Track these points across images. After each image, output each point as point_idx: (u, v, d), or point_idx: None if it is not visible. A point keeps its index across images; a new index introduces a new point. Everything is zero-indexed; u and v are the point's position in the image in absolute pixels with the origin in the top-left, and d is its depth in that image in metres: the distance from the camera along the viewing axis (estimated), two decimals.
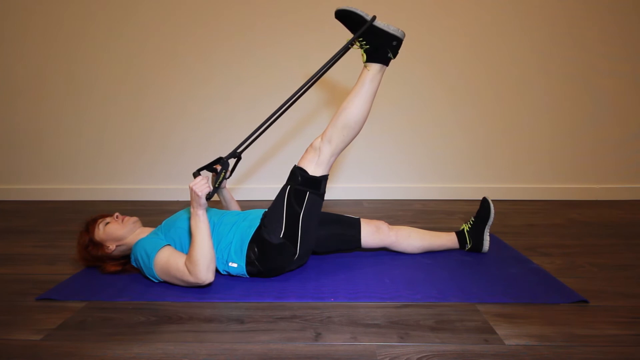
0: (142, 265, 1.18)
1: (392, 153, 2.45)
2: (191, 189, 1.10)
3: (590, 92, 2.34)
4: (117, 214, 1.30)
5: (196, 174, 1.16)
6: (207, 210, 1.30)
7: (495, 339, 0.91)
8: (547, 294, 1.12)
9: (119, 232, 1.26)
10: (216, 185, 1.21)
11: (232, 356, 0.86)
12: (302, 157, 1.23)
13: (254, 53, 2.35)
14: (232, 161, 2.41)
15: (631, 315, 1.02)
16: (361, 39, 1.17)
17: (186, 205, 2.38)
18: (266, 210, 1.33)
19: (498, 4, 2.27)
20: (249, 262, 1.21)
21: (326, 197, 2.38)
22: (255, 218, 1.27)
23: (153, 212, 2.20)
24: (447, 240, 1.46)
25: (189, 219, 1.25)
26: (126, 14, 2.33)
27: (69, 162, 2.52)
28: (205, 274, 1.09)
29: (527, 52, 2.31)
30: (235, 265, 1.21)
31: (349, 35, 2.33)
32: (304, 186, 1.20)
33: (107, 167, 2.52)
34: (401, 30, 1.15)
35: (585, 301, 1.09)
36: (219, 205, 2.17)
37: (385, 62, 1.18)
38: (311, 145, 1.22)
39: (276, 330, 0.96)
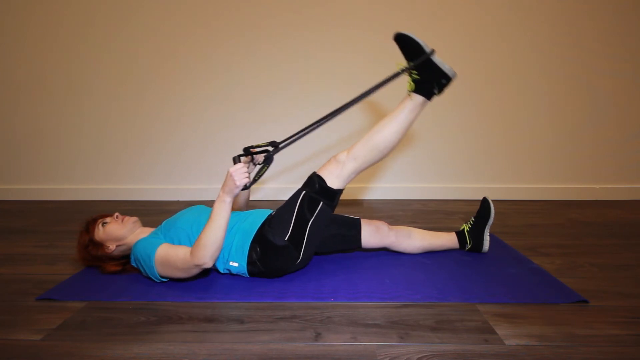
0: (142, 264, 1.18)
1: (392, 153, 2.45)
2: (230, 175, 1.06)
3: (590, 92, 2.34)
4: (117, 214, 1.30)
5: (237, 159, 1.11)
6: (208, 212, 1.30)
7: (495, 339, 0.91)
8: (547, 294, 1.12)
9: (119, 232, 1.26)
10: (256, 178, 1.17)
11: (232, 356, 0.86)
12: (323, 167, 1.23)
13: (254, 53, 2.35)
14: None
15: (631, 315, 1.02)
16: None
17: (186, 205, 2.38)
18: (272, 211, 1.33)
19: (498, 4, 2.27)
20: (250, 262, 1.21)
21: None
22: (256, 218, 1.27)
23: (153, 212, 2.20)
24: (447, 240, 1.46)
25: (192, 218, 1.25)
26: (126, 14, 2.33)
27: (69, 162, 2.52)
28: (208, 259, 1.07)
29: (527, 52, 2.31)
30: (236, 264, 1.21)
31: (352, 38, 2.35)
32: (319, 195, 1.20)
33: (107, 167, 2.52)
34: (454, 71, 1.14)
35: (585, 301, 1.09)
36: None
37: (429, 96, 1.17)
38: (335, 157, 1.22)
39: (276, 330, 0.96)
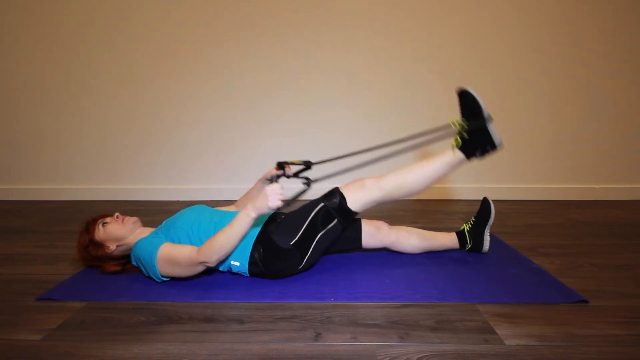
0: (143, 263, 1.18)
1: (395, 156, 2.44)
2: (265, 194, 1.05)
3: (590, 92, 2.34)
4: (117, 214, 1.30)
5: (274, 179, 1.11)
6: (208, 212, 1.30)
7: (495, 339, 0.91)
8: (547, 294, 1.12)
9: (119, 232, 1.26)
10: (289, 201, 1.14)
11: (232, 356, 0.86)
12: (347, 187, 1.23)
13: (254, 53, 2.35)
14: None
15: (631, 315, 1.02)
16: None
17: (186, 205, 2.37)
18: (272, 212, 1.33)
19: (498, 4, 2.27)
20: (252, 262, 1.21)
21: None
22: (258, 219, 1.27)
23: (153, 212, 2.20)
24: (447, 240, 1.46)
25: (192, 218, 1.25)
26: (126, 14, 2.33)
27: (69, 162, 2.52)
28: (213, 260, 1.09)
29: (527, 52, 2.31)
30: (237, 264, 1.22)
31: (352, 38, 2.35)
32: (336, 211, 1.20)
33: (107, 167, 2.52)
34: (502, 142, 1.16)
35: (585, 301, 1.09)
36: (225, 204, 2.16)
37: (470, 157, 1.18)
38: (362, 181, 1.22)
39: (276, 330, 0.96)
